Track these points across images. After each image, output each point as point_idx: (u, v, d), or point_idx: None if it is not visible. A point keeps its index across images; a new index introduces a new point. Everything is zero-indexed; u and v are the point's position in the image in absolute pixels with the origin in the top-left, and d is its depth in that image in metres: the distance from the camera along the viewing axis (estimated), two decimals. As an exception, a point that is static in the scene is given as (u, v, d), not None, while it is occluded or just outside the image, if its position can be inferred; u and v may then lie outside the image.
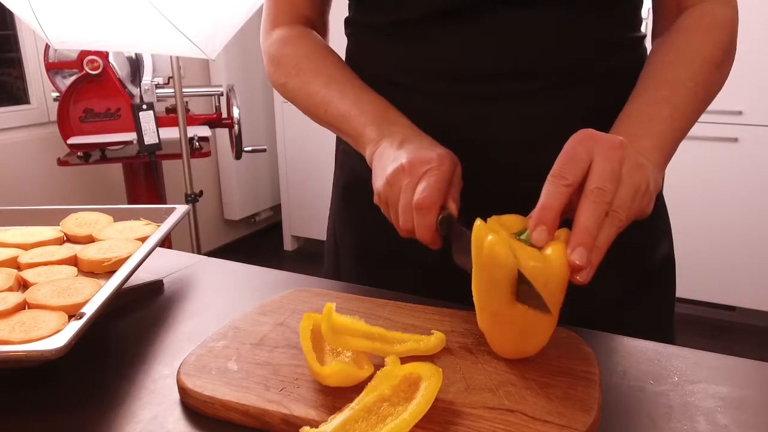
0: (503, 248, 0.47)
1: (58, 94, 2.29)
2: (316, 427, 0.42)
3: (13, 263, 0.66)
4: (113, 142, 2.26)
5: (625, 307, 0.70)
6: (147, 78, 2.35)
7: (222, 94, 2.57)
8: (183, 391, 0.48)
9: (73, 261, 0.66)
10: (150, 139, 2.16)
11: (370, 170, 0.63)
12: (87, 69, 2.20)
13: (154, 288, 0.70)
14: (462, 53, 0.64)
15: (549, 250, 0.47)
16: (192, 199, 2.32)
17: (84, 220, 0.76)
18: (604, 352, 0.55)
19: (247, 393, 0.47)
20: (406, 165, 0.56)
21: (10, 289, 0.59)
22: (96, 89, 2.25)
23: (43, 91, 2.54)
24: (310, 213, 3.37)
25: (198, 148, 2.38)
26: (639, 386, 0.50)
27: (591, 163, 0.48)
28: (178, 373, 0.50)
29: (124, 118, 2.27)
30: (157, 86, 2.41)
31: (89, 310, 0.51)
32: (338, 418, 0.42)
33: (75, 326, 0.48)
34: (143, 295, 0.69)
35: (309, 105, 0.70)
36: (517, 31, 0.63)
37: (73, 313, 0.53)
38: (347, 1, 0.74)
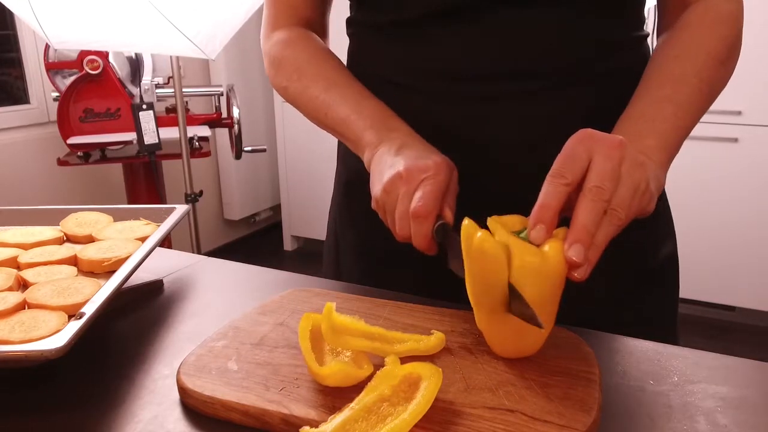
0: (492, 245, 0.47)
1: (58, 94, 2.29)
2: (316, 427, 0.42)
3: (13, 263, 0.66)
4: (113, 142, 2.26)
5: (627, 306, 0.70)
6: (147, 78, 2.35)
7: (222, 94, 2.57)
8: (183, 391, 0.48)
9: (73, 261, 0.66)
10: (150, 139, 2.17)
11: None
12: (87, 69, 2.20)
13: (154, 288, 0.70)
14: (462, 53, 0.64)
15: (546, 247, 0.47)
16: (192, 199, 2.32)
17: (84, 220, 0.76)
18: (604, 352, 0.55)
19: (247, 393, 0.47)
20: (403, 173, 0.56)
21: (9, 289, 0.59)
22: (96, 89, 2.25)
23: (43, 91, 2.54)
24: (310, 213, 3.37)
25: (198, 148, 2.38)
26: (639, 386, 0.50)
27: (590, 162, 0.49)
28: (178, 373, 0.50)
29: (124, 118, 2.27)
30: (157, 86, 2.41)
31: (89, 309, 0.51)
32: (338, 418, 0.42)
33: (75, 326, 0.48)
34: (143, 295, 0.69)
35: (309, 109, 0.70)
36: (517, 31, 0.63)
37: (72, 312, 0.53)
38: (348, 1, 0.74)
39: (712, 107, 0.63)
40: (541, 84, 0.64)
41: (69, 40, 1.94)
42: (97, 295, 0.54)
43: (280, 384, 0.48)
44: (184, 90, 2.24)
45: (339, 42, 0.80)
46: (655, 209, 0.54)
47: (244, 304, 0.64)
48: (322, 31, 0.79)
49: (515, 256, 0.47)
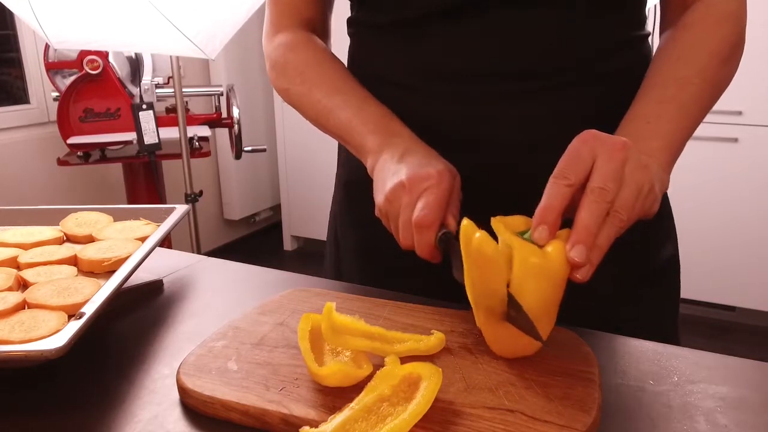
0: (490, 246, 0.47)
1: (58, 93, 2.29)
2: (316, 426, 0.42)
3: (13, 263, 0.65)
4: (113, 142, 2.26)
5: (628, 306, 0.70)
6: (147, 78, 2.35)
7: (222, 94, 2.57)
8: (183, 391, 0.48)
9: (73, 261, 0.66)
10: (150, 138, 2.17)
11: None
12: (87, 69, 2.20)
13: (154, 288, 0.70)
14: (462, 53, 0.64)
15: (549, 248, 0.47)
16: (192, 198, 2.32)
17: (84, 219, 0.76)
18: (603, 352, 0.55)
19: (246, 393, 0.47)
20: (405, 182, 0.56)
21: (9, 289, 0.59)
22: (96, 89, 2.25)
23: (43, 90, 2.54)
24: (310, 213, 3.37)
25: (198, 148, 2.38)
26: (639, 386, 0.50)
27: (594, 163, 0.49)
28: (178, 373, 0.50)
29: (123, 118, 2.27)
30: (157, 86, 2.41)
31: (89, 309, 0.51)
32: (338, 418, 0.42)
33: (75, 326, 0.48)
34: (143, 295, 0.69)
35: (312, 113, 0.70)
36: (517, 31, 0.62)
37: (72, 312, 0.53)
38: (349, 2, 0.74)
39: (713, 107, 0.63)
40: (541, 84, 0.64)
41: (69, 40, 1.94)
42: (97, 295, 0.54)
43: (280, 384, 0.48)
44: (184, 90, 2.24)
45: (339, 42, 0.80)
46: (658, 210, 0.54)
47: (244, 304, 0.64)
48: (324, 32, 0.79)
49: (517, 256, 0.47)
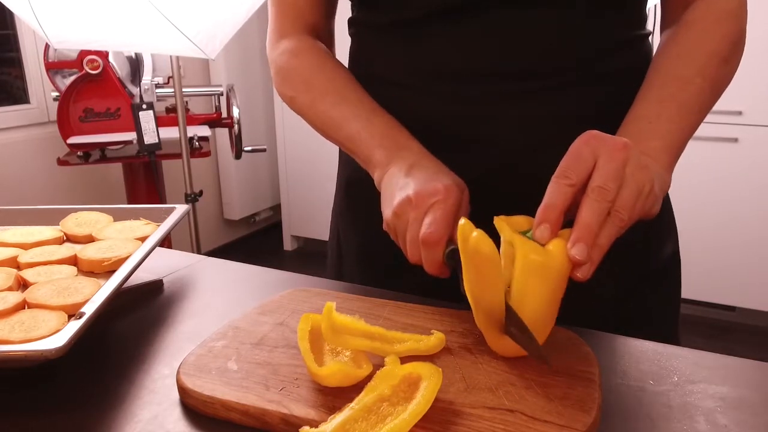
0: (487, 244, 0.47)
1: (57, 93, 2.29)
2: (316, 426, 0.42)
3: (13, 263, 0.65)
4: (113, 142, 2.26)
5: (629, 306, 0.70)
6: (147, 78, 2.35)
7: (222, 94, 2.57)
8: (183, 390, 0.48)
9: (73, 261, 0.66)
10: (150, 138, 2.17)
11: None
12: (87, 69, 2.20)
13: (154, 288, 0.70)
14: (462, 53, 0.64)
15: (550, 246, 0.47)
16: (192, 198, 2.32)
17: (84, 219, 0.76)
18: (604, 352, 0.55)
19: (246, 393, 0.47)
20: (412, 197, 0.55)
21: (9, 289, 0.59)
22: (96, 89, 2.25)
23: (42, 90, 2.54)
24: (310, 213, 3.37)
25: (198, 148, 2.38)
26: (639, 386, 0.50)
27: (595, 164, 0.49)
28: (178, 372, 0.50)
29: (123, 118, 2.27)
30: (157, 86, 2.41)
31: (89, 309, 0.51)
32: (338, 418, 0.42)
33: (75, 326, 0.48)
34: (143, 294, 0.69)
35: (318, 123, 0.70)
36: (517, 31, 0.62)
37: (72, 312, 0.53)
38: (350, 2, 0.74)
39: (713, 107, 0.63)
40: (541, 84, 0.64)
41: (69, 40, 1.94)
42: (97, 295, 0.54)
43: (280, 384, 0.48)
44: (184, 90, 2.24)
45: (340, 42, 0.80)
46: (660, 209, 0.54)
47: (244, 304, 0.64)
48: (328, 37, 0.78)
49: (519, 253, 0.47)
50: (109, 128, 2.28)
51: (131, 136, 2.20)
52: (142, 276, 0.70)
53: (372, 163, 0.64)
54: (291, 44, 0.74)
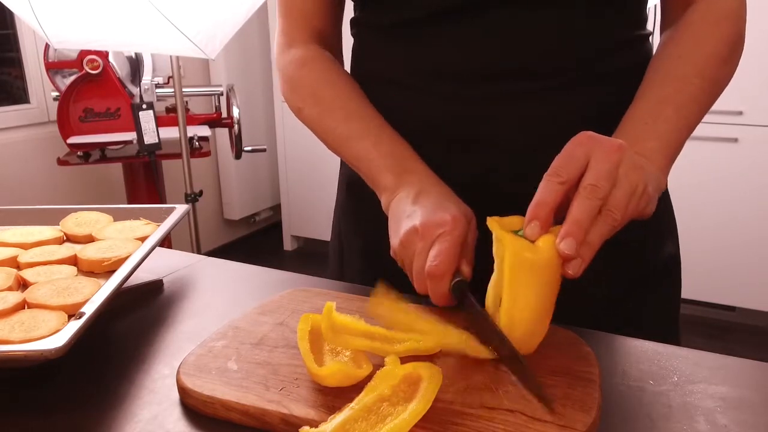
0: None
1: (57, 93, 2.29)
2: (316, 426, 0.42)
3: (13, 263, 0.65)
4: (113, 142, 2.26)
5: (629, 305, 0.70)
6: (147, 77, 2.35)
7: (222, 94, 2.57)
8: (183, 390, 0.48)
9: (73, 260, 0.66)
10: (150, 138, 2.17)
11: None
12: (87, 68, 2.20)
13: (154, 288, 0.70)
14: (463, 53, 0.64)
15: (540, 242, 0.48)
16: (192, 198, 2.32)
17: (84, 219, 0.76)
18: (604, 352, 0.55)
19: (246, 393, 0.47)
20: (419, 227, 0.55)
21: (9, 289, 0.59)
22: (96, 89, 2.25)
23: (42, 90, 2.54)
24: (310, 213, 3.37)
25: (198, 148, 2.38)
26: (639, 386, 0.50)
27: (588, 163, 0.49)
28: (178, 372, 0.50)
29: (123, 118, 2.27)
30: (157, 86, 2.41)
31: (89, 309, 0.51)
32: (338, 418, 0.42)
33: (75, 326, 0.48)
34: (143, 294, 0.69)
35: (325, 138, 0.69)
36: (517, 31, 0.63)
37: (72, 312, 0.53)
38: (352, 2, 0.75)
39: (713, 107, 0.63)
40: (542, 84, 0.64)
41: (69, 40, 1.94)
42: (97, 294, 0.54)
43: (279, 384, 0.48)
44: (184, 90, 2.24)
45: (343, 41, 0.81)
46: (657, 208, 0.54)
47: (244, 304, 0.64)
48: (336, 43, 0.78)
49: (509, 252, 0.48)
50: (109, 128, 2.28)
51: (131, 136, 2.20)
52: (142, 276, 0.70)
53: (379, 186, 0.63)
54: (299, 53, 0.73)
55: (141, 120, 2.13)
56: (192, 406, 0.48)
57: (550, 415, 0.43)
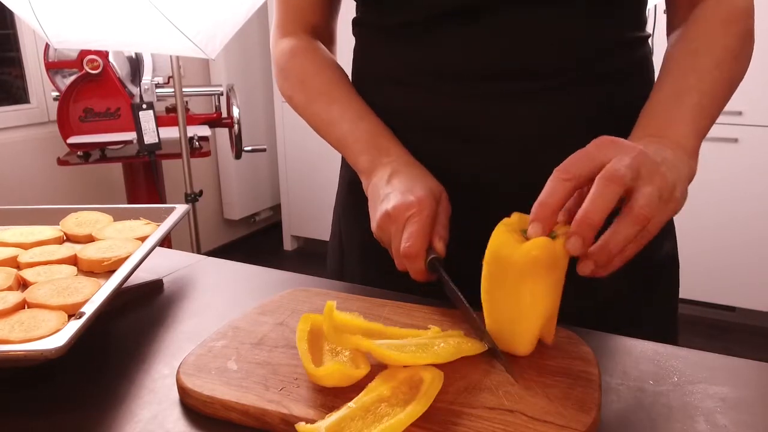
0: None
1: (58, 93, 2.29)
2: (316, 426, 0.42)
3: (13, 262, 0.65)
4: (113, 142, 2.26)
5: (627, 305, 0.70)
6: (147, 77, 2.35)
7: (222, 94, 2.57)
8: (182, 390, 0.48)
9: (73, 260, 0.66)
10: (150, 138, 2.16)
11: None
12: (87, 68, 2.20)
13: (154, 287, 0.70)
14: (465, 53, 0.64)
15: (528, 243, 0.48)
16: (192, 198, 2.32)
17: (84, 219, 0.76)
18: (603, 352, 0.55)
19: (246, 393, 0.47)
20: (390, 211, 0.58)
21: (9, 289, 0.59)
22: (96, 89, 2.25)
23: (43, 90, 2.54)
24: (310, 213, 3.37)
25: (198, 148, 2.38)
26: (639, 386, 0.50)
27: (607, 161, 0.47)
28: (178, 372, 0.50)
29: (123, 118, 2.27)
30: (157, 86, 2.41)
31: (89, 309, 0.51)
32: (334, 416, 0.42)
33: (74, 326, 0.48)
34: (143, 294, 0.69)
35: (312, 123, 0.73)
36: (519, 31, 0.63)
37: (72, 312, 0.53)
38: (354, 2, 0.75)
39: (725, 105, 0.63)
40: (542, 84, 0.64)
41: (69, 40, 1.94)
42: (97, 294, 0.54)
43: (279, 384, 0.48)
44: (184, 90, 2.24)
45: (343, 41, 0.81)
46: None
47: (244, 304, 0.64)
48: (328, 37, 0.80)
49: (488, 246, 0.49)
50: (109, 128, 2.28)
51: (131, 136, 2.20)
52: (142, 276, 0.70)
53: (358, 169, 0.67)
54: (291, 43, 0.76)
55: (141, 120, 2.13)
56: (192, 406, 0.48)
57: (549, 415, 0.43)
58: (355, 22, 0.76)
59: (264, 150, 2.72)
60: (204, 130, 2.46)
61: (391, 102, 0.69)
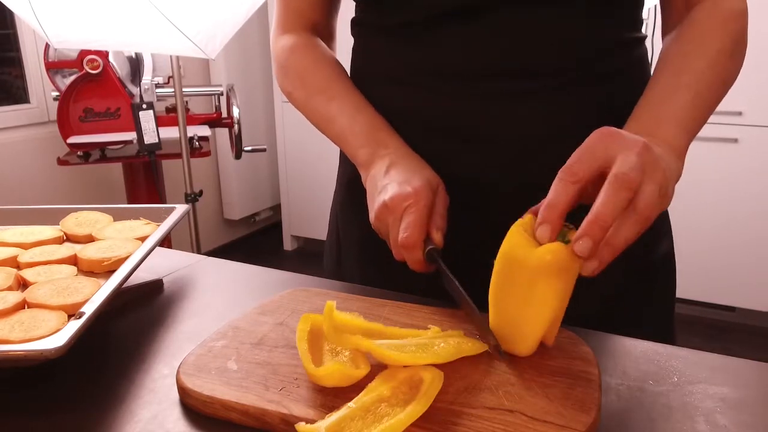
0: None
1: (58, 93, 2.29)
2: (316, 426, 0.42)
3: (13, 262, 0.65)
4: (113, 142, 2.26)
5: (625, 305, 0.71)
6: (147, 77, 2.35)
7: (222, 94, 2.57)
8: (182, 390, 0.48)
9: (73, 260, 0.66)
10: (150, 138, 2.16)
11: None
12: (87, 68, 2.20)
13: (154, 287, 0.70)
14: (465, 53, 0.64)
15: (542, 247, 0.47)
16: (192, 198, 2.32)
17: (84, 219, 0.76)
18: (603, 352, 0.55)
19: (246, 393, 0.47)
20: (388, 203, 0.59)
21: (9, 289, 0.59)
22: (96, 89, 2.25)
23: (43, 90, 2.54)
24: (310, 213, 3.37)
25: (198, 148, 2.38)
26: (639, 386, 0.50)
27: (613, 158, 0.47)
28: (178, 372, 0.50)
29: (123, 118, 2.27)
30: (157, 86, 2.41)
31: (89, 309, 0.51)
32: (334, 416, 0.42)
33: (74, 326, 0.48)
34: (143, 294, 0.69)
35: (312, 119, 0.73)
36: (518, 31, 0.63)
37: (72, 312, 0.53)
38: (354, 2, 0.75)
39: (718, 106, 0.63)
40: (542, 83, 0.64)
41: (69, 40, 1.94)
42: (97, 294, 0.54)
43: (279, 384, 0.48)
44: (184, 90, 2.24)
45: (343, 42, 0.81)
46: None
47: (244, 304, 0.64)
48: (328, 35, 0.81)
49: (503, 246, 0.49)
50: (109, 128, 2.28)
51: (131, 135, 2.20)
52: (142, 276, 0.70)
53: (357, 162, 0.67)
54: (290, 40, 0.77)
55: (141, 120, 2.13)
56: (192, 406, 0.48)
57: (549, 415, 0.43)
58: (354, 22, 0.76)
59: (264, 150, 2.72)
60: (204, 130, 2.46)
61: (390, 102, 0.69)
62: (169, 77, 2.41)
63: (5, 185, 2.39)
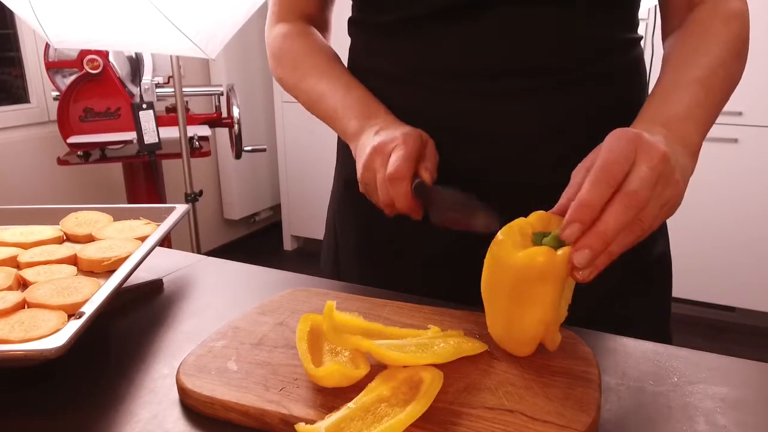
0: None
1: (58, 93, 2.29)
2: (316, 427, 0.42)
3: (13, 262, 0.65)
4: (113, 142, 2.26)
5: (621, 304, 0.71)
6: (147, 77, 2.35)
7: (222, 94, 2.57)
8: (182, 390, 0.48)
9: (73, 260, 0.66)
10: (150, 138, 2.16)
11: None
12: (87, 68, 2.20)
13: (154, 287, 0.70)
14: (465, 52, 0.64)
15: (526, 251, 0.47)
16: (192, 198, 2.32)
17: (84, 219, 0.76)
18: (603, 352, 0.55)
19: (246, 393, 0.47)
20: (376, 147, 0.60)
21: (9, 288, 0.59)
22: (96, 88, 2.25)
23: (43, 90, 2.54)
24: (310, 213, 3.37)
25: (198, 148, 2.38)
26: (638, 386, 0.50)
27: (632, 165, 0.46)
28: (178, 372, 0.50)
29: (124, 118, 2.27)
30: (157, 85, 2.41)
31: (89, 309, 0.51)
32: (334, 416, 0.42)
33: (74, 325, 0.48)
34: (143, 294, 0.69)
35: (303, 100, 0.74)
36: (518, 30, 0.63)
37: (72, 312, 0.53)
38: (351, 1, 0.75)
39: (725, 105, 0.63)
40: (542, 82, 0.64)
41: (69, 40, 1.94)
42: (97, 294, 0.54)
43: (279, 384, 0.48)
44: (184, 89, 2.24)
45: (341, 42, 0.81)
46: None
47: (244, 304, 0.64)
48: (323, 26, 0.82)
49: (491, 248, 0.49)
50: (109, 128, 2.28)
51: (131, 135, 2.20)
52: (142, 276, 0.70)
53: (347, 135, 0.68)
54: (284, 28, 0.78)
55: (141, 120, 2.13)
56: (192, 406, 0.48)
57: (549, 415, 0.43)
58: (352, 22, 0.76)
59: (264, 150, 2.72)
60: (204, 130, 2.46)
61: (390, 101, 0.69)
62: (169, 77, 2.41)
63: (5, 185, 2.39)
